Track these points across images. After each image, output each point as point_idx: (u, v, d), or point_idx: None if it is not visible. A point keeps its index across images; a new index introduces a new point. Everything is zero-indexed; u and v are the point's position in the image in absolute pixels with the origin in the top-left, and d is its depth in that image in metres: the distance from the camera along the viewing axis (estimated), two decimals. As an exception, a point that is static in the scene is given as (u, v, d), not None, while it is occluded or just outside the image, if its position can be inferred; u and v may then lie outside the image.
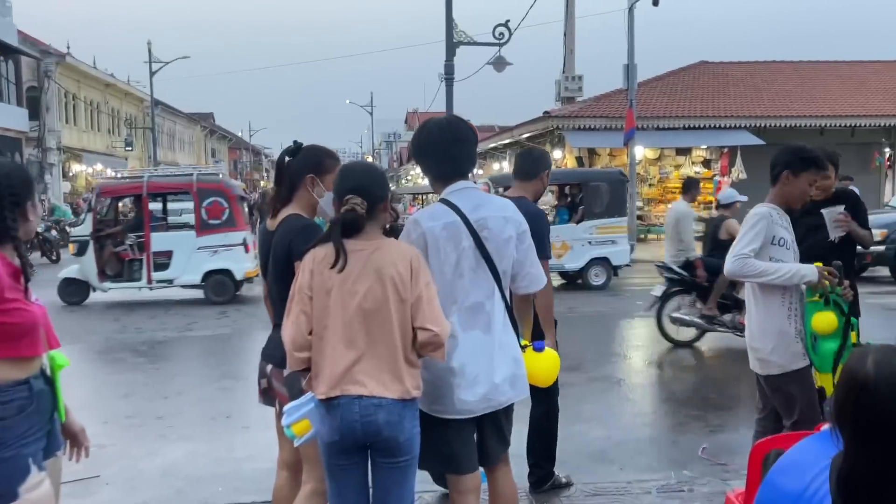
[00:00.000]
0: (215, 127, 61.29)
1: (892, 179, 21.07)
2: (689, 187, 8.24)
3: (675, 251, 7.79)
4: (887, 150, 21.62)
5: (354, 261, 2.33)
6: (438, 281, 2.47)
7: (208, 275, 11.00)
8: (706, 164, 21.09)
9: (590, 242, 11.65)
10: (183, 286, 11.23)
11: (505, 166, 27.88)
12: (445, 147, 2.58)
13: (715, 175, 20.58)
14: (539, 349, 2.66)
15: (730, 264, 3.18)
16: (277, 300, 2.73)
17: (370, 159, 67.25)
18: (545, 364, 2.68)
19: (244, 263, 11.07)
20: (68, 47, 34.36)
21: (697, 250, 8.01)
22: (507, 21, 17.58)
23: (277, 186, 2.87)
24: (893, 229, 11.89)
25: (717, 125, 20.36)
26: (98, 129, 38.80)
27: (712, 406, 5.67)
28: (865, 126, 20.81)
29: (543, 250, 3.54)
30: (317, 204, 2.83)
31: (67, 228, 22.47)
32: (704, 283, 7.33)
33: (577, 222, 11.70)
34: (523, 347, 2.64)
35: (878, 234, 11.68)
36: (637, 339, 8.71)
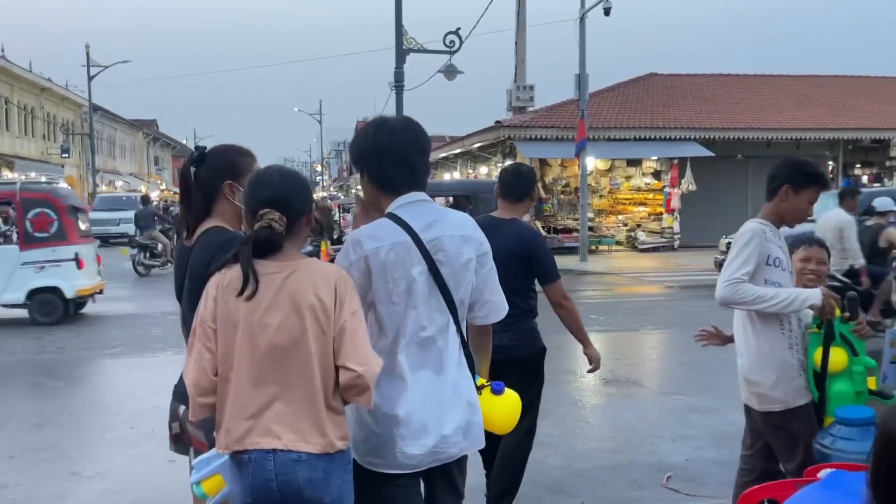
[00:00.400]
0: (158, 134, 59.61)
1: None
2: (846, 195, 8.01)
3: (836, 259, 7.61)
4: (830, 163, 22.05)
5: (266, 286, 1.93)
6: (386, 313, 2.08)
7: (33, 293, 10.00)
8: (656, 175, 21.15)
9: None
10: (4, 305, 10.16)
11: (456, 175, 27.63)
12: (409, 154, 2.18)
13: (665, 186, 20.65)
14: (498, 391, 2.27)
15: (721, 290, 2.82)
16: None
17: (318, 168, 66.23)
18: (505, 408, 2.29)
19: (76, 280, 10.15)
20: (3, 49, 32.92)
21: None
22: (458, 29, 17.35)
23: (186, 202, 2.43)
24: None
25: (667, 136, 20.45)
26: (32, 134, 37.21)
27: (677, 429, 5.38)
28: (810, 139, 21.17)
29: (553, 274, 3.44)
30: (241, 212, 2.42)
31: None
32: (870, 290, 7.31)
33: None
34: (479, 388, 2.25)
35: None
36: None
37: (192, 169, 2.42)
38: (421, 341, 2.11)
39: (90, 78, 35.66)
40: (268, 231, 1.94)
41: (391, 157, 2.17)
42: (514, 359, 3.34)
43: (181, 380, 2.41)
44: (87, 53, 35.67)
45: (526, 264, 3.38)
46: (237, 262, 1.95)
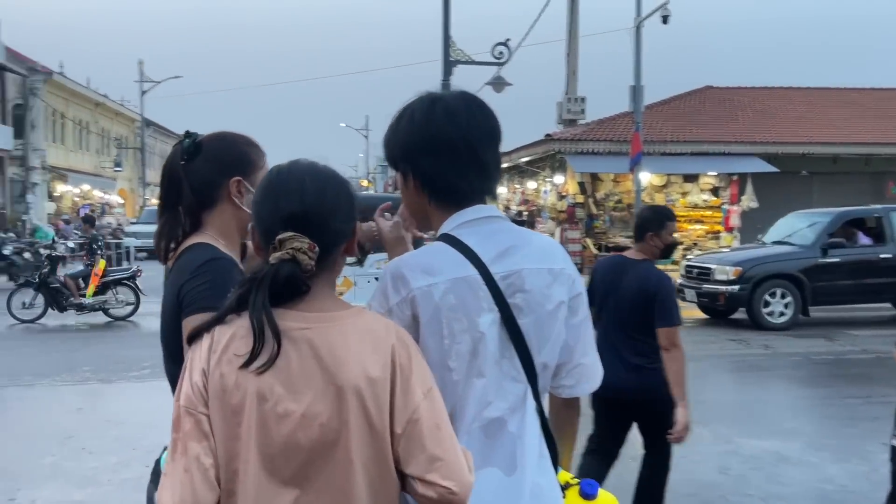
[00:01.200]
0: (209, 149, 60.44)
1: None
2: None
3: None
4: (902, 179, 20.76)
5: (287, 352, 1.27)
6: (439, 382, 1.40)
7: None
8: (714, 191, 20.16)
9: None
10: None
11: (503, 192, 26.98)
12: (476, 145, 1.51)
13: (724, 203, 19.66)
14: (589, 495, 1.59)
15: None
16: (172, 383, 1.71)
17: (364, 183, 65.44)
18: None
19: None
20: (62, 66, 33.67)
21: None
22: (508, 40, 16.89)
23: (171, 209, 1.79)
24: (748, 267, 10.82)
25: (727, 151, 19.50)
26: (87, 148, 37.92)
27: (768, 486, 4.61)
28: (881, 155, 19.95)
29: (669, 317, 3.42)
30: (248, 220, 1.81)
31: (42, 251, 21.50)
32: None
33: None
34: (563, 488, 1.57)
35: (731, 272, 10.84)
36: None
37: (182, 162, 1.78)
38: (487, 424, 1.44)
39: (143, 93, 36.22)
40: (291, 266, 1.27)
41: (451, 148, 1.50)
42: (645, 401, 3.47)
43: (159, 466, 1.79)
44: (141, 70, 36.27)
45: (651, 305, 3.44)
46: (239, 311, 1.29)
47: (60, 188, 34.22)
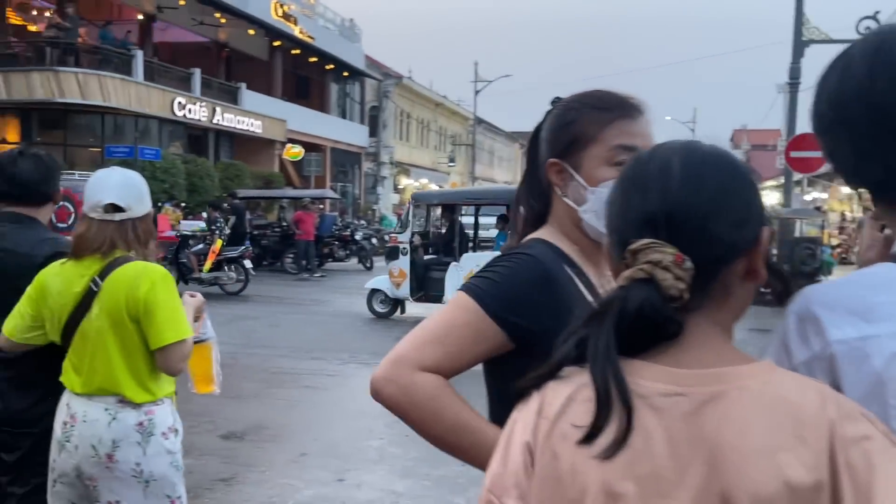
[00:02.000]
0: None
1: None
2: None
3: None
4: None
5: (650, 430, 0.83)
6: None
7: None
8: None
9: None
10: None
11: (846, 191, 23.39)
12: (881, 102, 0.94)
13: None
14: None
15: None
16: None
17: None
18: None
19: None
20: (410, 71, 37.50)
21: None
22: (877, 13, 14.42)
23: (525, 194, 1.41)
24: None
25: None
26: (426, 145, 41.70)
27: None
28: None
29: None
30: (577, 216, 1.30)
31: (387, 237, 24.01)
32: None
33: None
34: None
35: None
36: None
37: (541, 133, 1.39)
38: None
39: (476, 93, 38.68)
40: (646, 290, 0.83)
41: (847, 118, 0.97)
42: None
43: None
44: (475, 70, 38.74)
45: None
46: (580, 362, 0.87)
47: (404, 181, 38.13)
